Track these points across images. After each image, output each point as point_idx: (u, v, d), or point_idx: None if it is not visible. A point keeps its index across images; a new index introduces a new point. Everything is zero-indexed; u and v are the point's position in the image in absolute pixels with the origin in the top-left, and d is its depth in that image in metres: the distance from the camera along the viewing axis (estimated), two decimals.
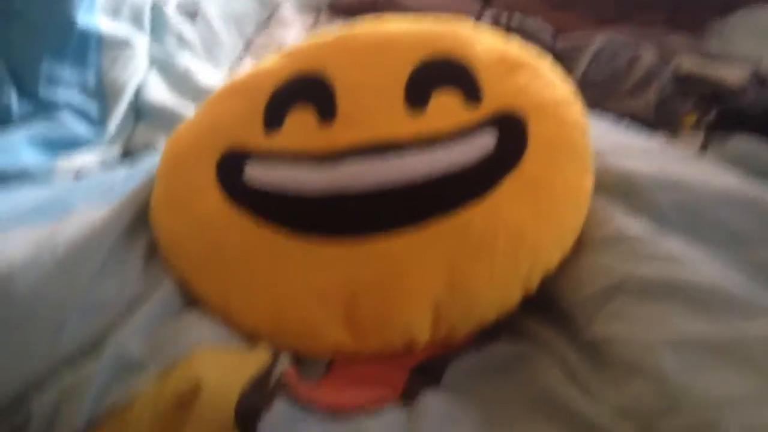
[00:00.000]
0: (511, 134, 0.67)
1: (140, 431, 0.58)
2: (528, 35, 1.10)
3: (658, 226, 0.65)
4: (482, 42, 0.74)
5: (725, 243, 0.64)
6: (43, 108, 0.99)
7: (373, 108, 0.68)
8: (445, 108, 0.68)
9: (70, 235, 0.66)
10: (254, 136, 0.70)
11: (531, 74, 0.71)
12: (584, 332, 0.62)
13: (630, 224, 0.65)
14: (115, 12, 1.11)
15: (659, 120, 0.97)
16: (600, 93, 1.03)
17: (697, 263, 0.61)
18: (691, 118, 0.98)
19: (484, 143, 0.66)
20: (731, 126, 0.93)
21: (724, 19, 1.23)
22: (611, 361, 0.59)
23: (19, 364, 0.61)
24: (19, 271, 0.63)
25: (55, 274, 0.64)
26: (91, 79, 1.05)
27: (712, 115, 0.96)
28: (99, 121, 1.01)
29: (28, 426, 0.59)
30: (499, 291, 0.64)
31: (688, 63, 1.03)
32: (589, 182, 0.67)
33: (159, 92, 1.09)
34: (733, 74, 1.01)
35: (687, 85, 1.01)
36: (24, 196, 0.73)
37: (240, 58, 1.25)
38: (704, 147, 0.91)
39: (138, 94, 1.08)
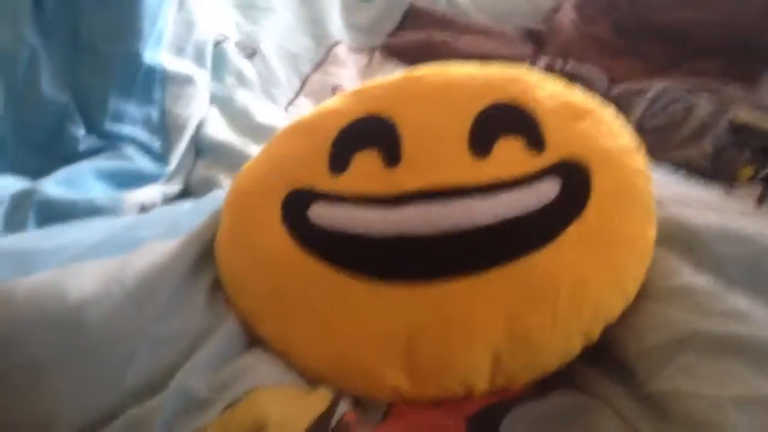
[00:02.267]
0: (575, 182, 0.67)
1: None
2: (583, 81, 1.12)
3: (721, 279, 0.65)
4: (546, 88, 0.75)
5: None
6: (109, 143, 1.02)
7: (437, 153, 0.70)
8: (510, 154, 0.69)
9: (139, 268, 0.68)
10: (319, 176, 0.72)
11: (594, 122, 0.72)
12: (647, 385, 0.61)
13: (694, 277, 0.65)
14: (179, 50, 1.14)
15: (715, 171, 0.97)
16: (655, 141, 1.01)
17: (763, 319, 0.61)
18: (749, 171, 0.97)
19: (547, 191, 0.67)
20: None
21: None
22: (675, 417, 0.58)
23: (88, 394, 0.62)
24: (90, 302, 0.64)
25: (125, 307, 0.66)
26: (154, 115, 1.08)
27: None
28: (161, 157, 1.04)
29: None
30: (560, 340, 0.64)
31: (744, 114, 1.03)
32: (652, 232, 0.67)
33: (218, 129, 1.11)
34: None
35: (743, 136, 1.01)
36: (93, 229, 0.75)
37: (296, 96, 1.28)
38: (761, 199, 0.90)
39: (198, 130, 1.11)
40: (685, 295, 0.64)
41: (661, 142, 1.03)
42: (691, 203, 0.73)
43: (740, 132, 1.02)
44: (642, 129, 1.04)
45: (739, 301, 0.62)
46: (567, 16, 1.37)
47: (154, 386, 0.64)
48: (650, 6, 1.30)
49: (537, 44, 1.36)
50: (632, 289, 0.65)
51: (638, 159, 0.71)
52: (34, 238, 0.76)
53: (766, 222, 0.73)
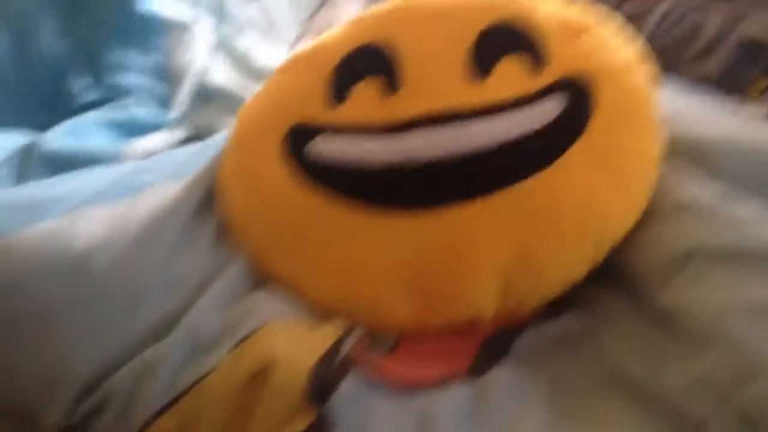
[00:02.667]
0: (578, 99, 0.66)
1: (214, 407, 0.59)
2: None
3: (729, 190, 0.64)
4: (544, 8, 0.73)
5: None
6: (114, 93, 1.02)
7: (437, 78, 0.68)
8: (510, 75, 0.67)
9: (143, 212, 0.68)
10: (319, 109, 0.71)
11: (595, 39, 0.70)
12: (654, 302, 0.61)
13: (701, 191, 0.64)
14: None
15: (727, 85, 0.95)
16: (666, 58, 1.00)
17: None
18: (762, 83, 0.95)
19: (549, 110, 0.66)
20: None
21: None
22: (685, 332, 0.57)
23: (99, 340, 0.63)
24: (96, 249, 0.65)
25: (132, 252, 0.66)
26: (156, 62, 1.07)
27: None
28: (165, 105, 1.04)
29: (107, 406, 0.60)
30: (567, 260, 0.64)
31: (756, 27, 1.00)
32: (657, 148, 0.66)
33: (222, 74, 1.10)
34: None
35: (754, 50, 0.99)
36: (98, 175, 0.75)
37: (298, 39, 1.26)
38: None
39: (202, 77, 1.10)
40: (690, 209, 0.62)
41: (672, 58, 1.01)
42: (701, 118, 0.71)
43: (753, 46, 0.99)
44: (654, 45, 1.02)
45: (748, 212, 0.61)
46: None
47: (165, 329, 0.64)
48: None
49: None
50: (638, 207, 0.64)
51: (642, 74, 0.69)
52: (36, 188, 0.75)
53: None
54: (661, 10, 1.04)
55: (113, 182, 0.73)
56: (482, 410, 0.57)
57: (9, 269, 0.63)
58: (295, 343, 0.61)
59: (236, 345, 0.61)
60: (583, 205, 0.63)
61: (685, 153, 0.67)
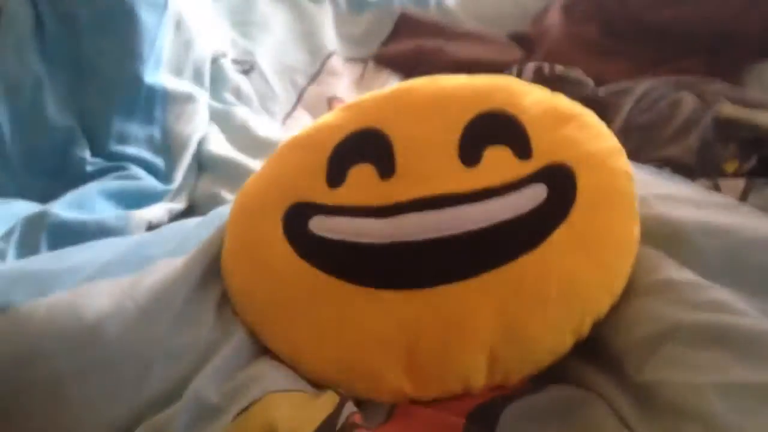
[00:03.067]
0: (561, 186, 0.70)
1: None
2: (571, 83, 1.15)
3: (704, 272, 0.68)
4: (531, 95, 0.78)
5: (766, 287, 0.67)
6: (115, 164, 1.06)
7: (429, 164, 0.73)
8: (498, 162, 0.72)
9: (150, 285, 0.72)
10: (318, 190, 0.75)
11: (579, 126, 0.75)
12: (635, 377, 0.64)
13: (678, 271, 0.68)
14: (178, 70, 1.18)
15: (701, 166, 1.00)
16: (642, 138, 1.06)
17: (744, 310, 0.64)
18: (733, 165, 1.00)
19: (535, 195, 0.70)
20: None
21: (764, 64, 1.26)
22: (662, 406, 0.61)
23: (107, 406, 0.66)
24: (106, 318, 0.68)
25: (139, 322, 0.69)
26: (157, 134, 1.12)
27: (753, 160, 0.99)
28: (166, 175, 1.08)
29: None
30: (552, 338, 0.68)
31: (728, 108, 1.06)
32: (636, 230, 0.71)
33: (219, 145, 1.15)
34: None
35: (728, 130, 1.04)
36: (104, 249, 0.79)
37: (293, 109, 1.31)
38: (746, 193, 0.94)
39: (200, 147, 1.14)
40: (669, 288, 0.67)
41: (648, 139, 1.07)
42: (675, 200, 0.76)
43: (725, 127, 1.05)
44: (630, 127, 1.09)
45: (722, 293, 0.66)
46: (554, 18, 1.40)
47: (169, 396, 0.67)
48: (636, 6, 1.33)
49: (526, 47, 1.39)
50: (619, 285, 0.69)
51: (621, 160, 0.74)
52: (48, 259, 0.79)
53: (749, 215, 0.77)
54: (637, 91, 1.10)
55: (121, 256, 0.77)
56: None
57: (23, 339, 0.67)
58: (295, 412, 0.64)
59: (239, 414, 0.64)
60: (566, 284, 0.67)
61: (661, 234, 0.72)
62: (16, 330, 0.68)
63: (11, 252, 0.85)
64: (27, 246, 0.87)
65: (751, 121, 1.04)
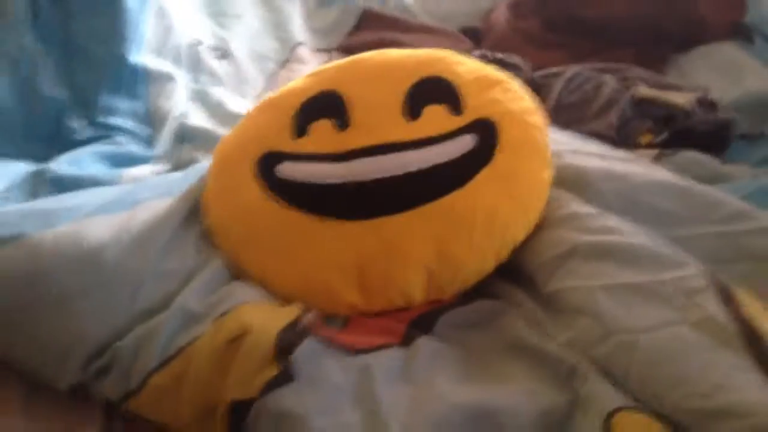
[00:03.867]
0: (486, 136, 0.85)
1: (200, 365, 0.74)
2: (509, 67, 1.30)
3: (602, 208, 0.83)
4: (465, 64, 0.93)
5: (654, 222, 0.82)
6: (103, 133, 1.18)
7: (378, 118, 0.87)
8: (435, 118, 0.87)
9: (142, 219, 0.84)
10: (285, 141, 0.89)
11: (502, 90, 0.90)
12: (544, 288, 0.79)
13: (580, 206, 0.83)
14: (159, 52, 1.31)
15: (620, 139, 1.15)
16: (571, 115, 1.21)
17: (629, 233, 0.79)
18: (647, 137, 1.16)
19: (465, 143, 0.85)
20: (681, 144, 1.11)
21: (685, 55, 1.43)
22: (563, 308, 0.76)
23: (106, 317, 0.78)
24: (105, 246, 0.81)
25: (133, 249, 0.82)
26: (140, 108, 1.24)
27: (665, 134, 1.15)
28: (149, 143, 1.20)
29: (112, 367, 0.76)
30: (477, 260, 0.82)
31: (644, 90, 1.22)
32: (548, 173, 0.86)
33: (198, 119, 1.28)
34: (682, 98, 1.19)
35: (644, 108, 1.20)
36: (102, 192, 0.92)
37: (263, 92, 1.44)
38: (657, 161, 1.09)
39: (181, 122, 1.27)
40: (571, 218, 0.82)
41: (576, 116, 1.21)
42: (583, 153, 0.92)
43: (641, 105, 1.21)
44: (560, 106, 1.24)
45: (612, 220, 0.81)
46: (501, 14, 1.56)
47: (158, 309, 0.79)
48: (573, 3, 1.49)
49: (476, 40, 1.54)
50: (533, 218, 0.84)
51: (536, 117, 0.89)
52: (53, 200, 0.92)
53: (641, 164, 0.93)
54: (567, 75, 1.25)
55: (116, 197, 0.89)
56: (409, 367, 0.74)
57: (35, 262, 0.79)
58: (265, 316, 0.77)
59: (218, 318, 0.77)
60: (489, 216, 0.82)
61: (570, 179, 0.87)
62: (27, 256, 0.79)
63: (15, 200, 0.97)
64: (31, 196, 0.99)
65: (664, 101, 1.20)
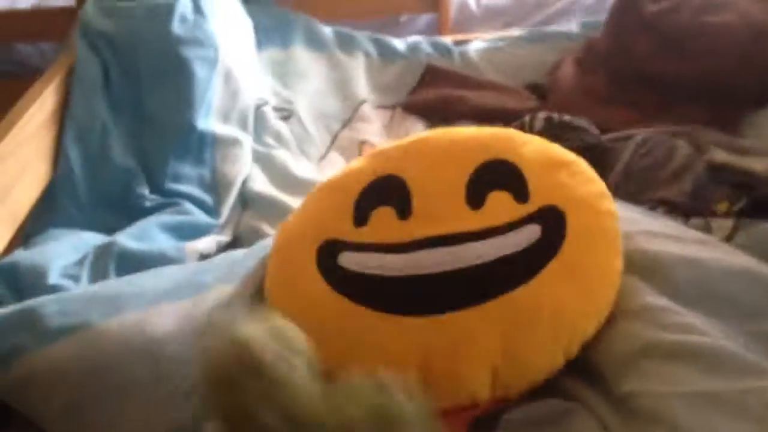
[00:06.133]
0: (553, 226, 0.82)
1: None
2: (577, 131, 1.27)
3: (677, 299, 0.79)
4: (530, 144, 0.91)
5: (732, 314, 0.78)
6: (170, 200, 1.20)
7: (441, 206, 0.85)
8: (499, 205, 0.84)
9: (206, 308, 0.85)
10: (346, 229, 0.88)
11: (570, 173, 0.87)
12: (614, 389, 0.76)
13: (655, 297, 0.80)
14: (226, 117, 1.33)
15: (694, 207, 1.11)
16: (641, 181, 1.17)
17: (708, 333, 0.75)
18: (724, 205, 1.11)
19: (530, 234, 0.82)
20: (760, 213, 1.06)
21: (762, 113, 1.37)
22: (635, 413, 0.72)
23: (167, 412, 0.78)
24: (169, 338, 0.81)
25: (195, 342, 0.81)
26: (206, 174, 1.26)
27: (743, 202, 1.10)
28: (214, 210, 1.22)
29: None
30: (545, 357, 0.79)
31: (720, 155, 1.17)
32: (619, 263, 0.82)
33: (261, 184, 1.29)
34: (761, 164, 1.14)
35: (720, 175, 1.15)
36: (166, 276, 0.92)
37: (327, 151, 1.45)
38: (735, 231, 1.04)
39: (244, 186, 1.28)
40: (645, 312, 0.78)
41: (646, 181, 1.18)
42: (656, 235, 0.88)
43: (717, 171, 1.16)
44: (630, 171, 1.20)
45: (689, 317, 0.77)
46: (567, 69, 1.53)
47: None
48: (641, 58, 1.46)
49: (541, 96, 1.52)
50: (604, 311, 0.80)
51: (607, 202, 0.86)
52: (118, 285, 0.93)
53: (723, 249, 0.88)
54: (637, 139, 1.22)
55: (180, 282, 0.90)
56: None
57: (99, 352, 0.80)
58: None
59: None
60: (557, 311, 0.78)
61: (642, 266, 0.83)
62: (92, 345, 0.81)
63: (85, 276, 1.00)
64: (98, 271, 1.01)
65: (741, 167, 1.15)
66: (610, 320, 0.80)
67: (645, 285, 0.82)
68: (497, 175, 0.87)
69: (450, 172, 0.88)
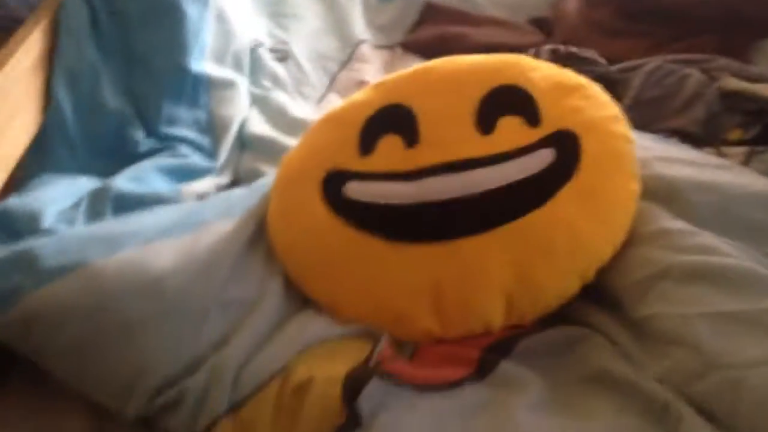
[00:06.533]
0: (567, 149, 0.79)
1: (266, 414, 0.71)
2: (584, 62, 1.23)
3: (695, 223, 0.77)
4: (540, 70, 0.87)
5: (751, 235, 0.75)
6: (165, 144, 1.16)
7: (449, 133, 0.82)
8: (510, 130, 0.81)
9: (206, 245, 0.81)
10: (351, 159, 0.84)
11: (582, 96, 0.84)
12: (632, 313, 0.73)
13: (672, 221, 0.77)
14: (220, 59, 1.28)
15: (706, 135, 1.08)
16: (652, 111, 1.13)
17: (727, 253, 0.72)
18: (737, 133, 1.08)
19: (543, 158, 0.79)
20: None
21: None
22: (654, 336, 0.70)
23: (171, 349, 0.75)
24: (168, 274, 0.78)
25: (197, 277, 0.79)
26: (202, 117, 1.21)
27: (756, 129, 1.07)
28: (211, 153, 1.18)
29: (179, 404, 0.73)
30: (560, 283, 0.76)
31: (732, 82, 1.13)
32: (635, 187, 0.79)
33: (259, 126, 1.25)
34: None
35: (732, 102, 1.12)
36: (163, 214, 0.89)
37: (326, 93, 1.41)
38: (748, 158, 1.01)
39: (242, 128, 1.24)
40: (662, 236, 0.75)
41: (657, 111, 1.14)
42: (673, 161, 0.85)
43: (729, 99, 1.12)
44: (640, 101, 1.16)
45: (708, 238, 0.74)
46: (572, 3, 1.48)
47: (224, 341, 0.76)
48: None
49: (545, 31, 1.47)
50: (620, 236, 0.77)
51: (621, 125, 0.82)
52: (115, 223, 0.89)
53: (739, 173, 0.85)
54: (647, 68, 1.18)
55: (178, 219, 0.86)
56: (484, 400, 0.70)
57: (98, 290, 0.77)
58: (331, 360, 0.74)
59: (285, 364, 0.74)
60: (572, 236, 0.76)
61: (659, 190, 0.80)
62: (90, 284, 0.77)
63: (80, 220, 0.96)
64: (94, 215, 0.97)
65: (754, 93, 1.11)
66: (627, 245, 0.78)
67: (662, 209, 0.79)
68: (508, 100, 0.83)
69: (458, 98, 0.84)
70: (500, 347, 0.75)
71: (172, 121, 1.19)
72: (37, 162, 1.10)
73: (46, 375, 0.79)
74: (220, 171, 1.16)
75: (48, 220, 0.94)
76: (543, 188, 0.78)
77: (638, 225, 0.78)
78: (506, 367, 0.73)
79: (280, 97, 1.32)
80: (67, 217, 0.97)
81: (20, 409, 0.82)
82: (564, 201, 0.77)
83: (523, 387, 0.70)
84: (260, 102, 1.31)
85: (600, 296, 0.78)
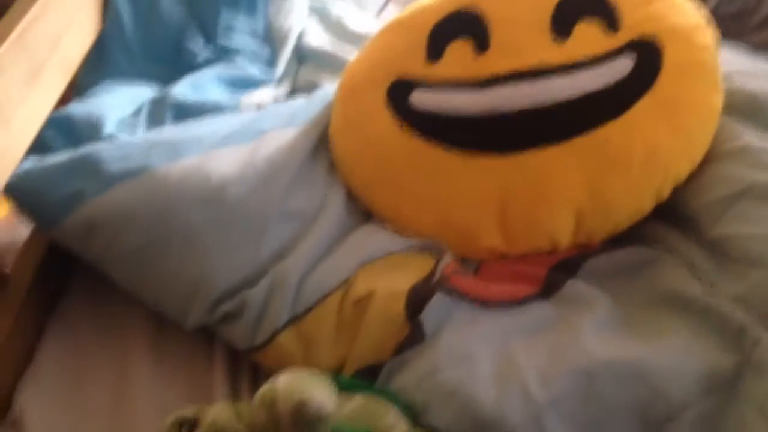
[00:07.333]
0: (647, 58, 0.75)
1: (327, 327, 0.71)
2: None
3: None
4: None
5: None
6: (223, 54, 1.14)
7: (522, 39, 0.78)
8: (587, 36, 0.77)
9: (267, 154, 0.80)
10: (418, 66, 0.81)
11: (666, 3, 0.79)
12: (708, 233, 0.70)
13: (754, 138, 0.73)
14: None
15: None
16: (729, 27, 1.07)
17: None
18: None
19: (622, 67, 0.75)
20: None
21: None
22: (732, 257, 0.67)
23: (231, 258, 0.75)
24: (229, 182, 0.76)
25: (258, 187, 0.77)
26: (260, 26, 1.19)
27: None
28: (269, 64, 1.15)
29: (239, 315, 0.73)
30: (634, 200, 0.74)
31: None
32: (718, 101, 0.75)
33: (317, 37, 1.22)
34: None
35: None
36: (224, 122, 0.87)
37: (386, 4, 1.36)
38: None
39: (300, 39, 1.21)
40: (745, 153, 0.72)
41: (736, 27, 1.08)
42: (757, 75, 0.80)
43: None
44: (717, 16, 1.09)
45: None
46: None
47: (285, 253, 0.76)
48: None
49: None
50: (699, 152, 0.74)
51: (706, 34, 0.77)
52: (176, 130, 0.88)
53: None
54: None
55: (240, 127, 0.85)
56: (550, 318, 0.68)
57: (163, 196, 0.76)
58: (394, 274, 0.72)
59: (347, 277, 0.73)
60: (649, 151, 0.72)
61: (742, 105, 0.76)
62: (154, 189, 0.76)
63: (142, 127, 0.95)
64: (154, 122, 0.96)
65: None
66: (706, 161, 0.74)
67: (744, 125, 0.75)
68: (585, 4, 0.79)
69: (532, 2, 0.80)
70: (566, 266, 0.73)
71: (230, 30, 1.17)
72: (97, 69, 1.09)
73: (105, 282, 0.79)
74: (279, 82, 1.14)
75: (109, 127, 0.93)
76: (620, 99, 0.74)
77: (719, 142, 0.74)
78: (573, 286, 0.71)
79: (339, 8, 1.29)
80: (128, 123, 0.97)
81: (83, 314, 0.83)
82: (642, 113, 0.73)
83: (591, 306, 0.68)
84: (318, 13, 1.28)
85: (673, 215, 0.75)
